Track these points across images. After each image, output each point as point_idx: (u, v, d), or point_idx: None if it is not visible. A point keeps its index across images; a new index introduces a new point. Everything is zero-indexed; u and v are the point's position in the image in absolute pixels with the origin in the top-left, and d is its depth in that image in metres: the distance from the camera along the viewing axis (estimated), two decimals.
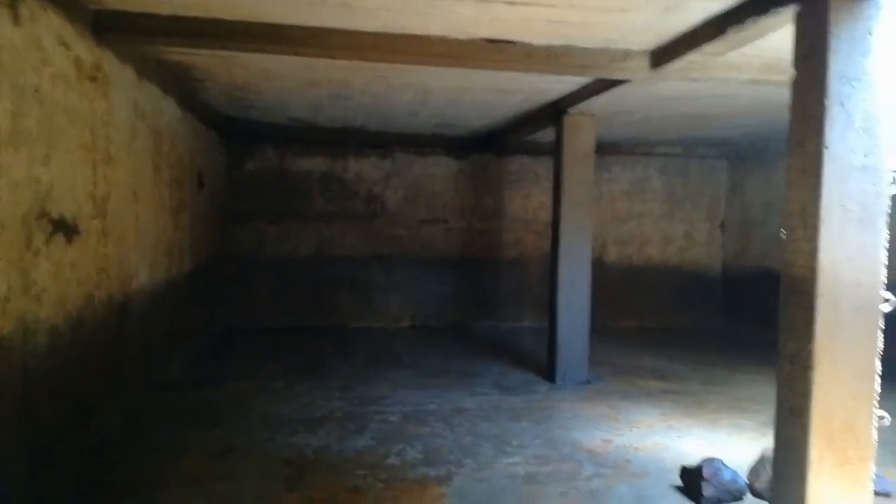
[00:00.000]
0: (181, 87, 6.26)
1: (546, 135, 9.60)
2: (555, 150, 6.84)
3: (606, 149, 9.83)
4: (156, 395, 5.65)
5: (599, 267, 9.37)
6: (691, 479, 3.79)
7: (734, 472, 3.77)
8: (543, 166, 10.21)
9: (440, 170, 9.99)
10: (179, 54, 5.22)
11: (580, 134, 6.65)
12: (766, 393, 6.30)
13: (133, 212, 5.10)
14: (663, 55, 4.71)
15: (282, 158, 9.54)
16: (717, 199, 10.88)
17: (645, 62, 4.89)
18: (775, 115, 7.60)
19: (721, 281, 10.87)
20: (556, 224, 6.75)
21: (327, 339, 8.59)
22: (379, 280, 9.80)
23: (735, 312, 10.55)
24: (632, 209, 10.62)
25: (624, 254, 10.56)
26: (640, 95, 6.40)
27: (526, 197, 10.25)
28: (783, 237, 3.17)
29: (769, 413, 5.72)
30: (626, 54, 4.84)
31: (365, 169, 9.78)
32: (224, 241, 9.14)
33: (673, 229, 10.73)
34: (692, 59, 4.44)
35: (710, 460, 3.83)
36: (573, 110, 6.55)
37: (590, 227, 6.73)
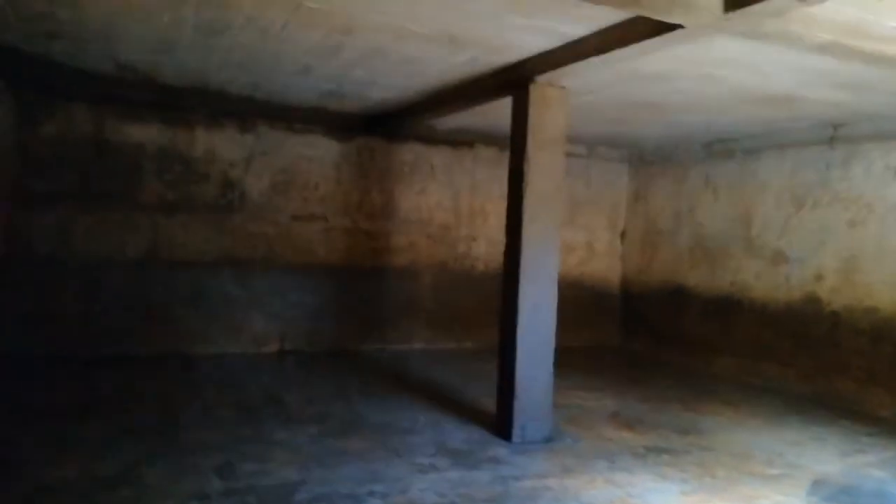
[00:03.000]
0: None
1: (445, 122, 7.97)
2: (513, 131, 5.18)
3: (505, 142, 8.37)
4: None
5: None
6: None
7: None
8: (441, 157, 8.58)
9: (318, 153, 7.90)
10: None
11: (550, 111, 5.04)
12: (757, 444, 5.15)
13: None
14: None
15: (99, 123, 6.90)
16: (617, 206, 9.90)
17: (718, 1, 3.42)
18: (724, 114, 6.64)
19: (620, 296, 9.91)
20: (515, 227, 5.07)
21: (169, 376, 6.15)
22: (236, 292, 7.45)
23: (634, 331, 9.61)
24: None
25: None
26: (621, 69, 4.99)
27: (420, 193, 8.50)
28: None
29: (796, 477, 4.38)
30: None
31: (219, 145, 7.42)
32: (10, 233, 6.33)
33: (575, 238, 9.52)
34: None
35: None
36: (542, 79, 4.95)
37: (558, 232, 5.16)
